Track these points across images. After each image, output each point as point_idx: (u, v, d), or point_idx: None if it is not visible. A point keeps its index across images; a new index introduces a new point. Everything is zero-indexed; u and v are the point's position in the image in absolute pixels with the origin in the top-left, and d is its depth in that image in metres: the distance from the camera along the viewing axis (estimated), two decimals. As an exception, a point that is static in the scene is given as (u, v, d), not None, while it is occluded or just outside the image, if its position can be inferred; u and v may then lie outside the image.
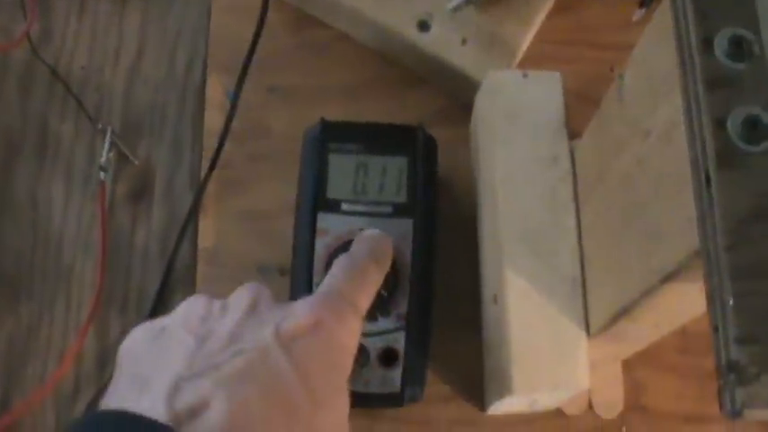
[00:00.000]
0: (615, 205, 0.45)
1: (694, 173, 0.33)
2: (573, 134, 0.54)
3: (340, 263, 0.46)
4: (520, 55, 0.61)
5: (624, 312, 0.44)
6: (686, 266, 0.36)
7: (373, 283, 0.46)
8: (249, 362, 0.38)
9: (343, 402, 0.41)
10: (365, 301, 0.45)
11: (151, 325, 0.42)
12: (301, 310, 0.41)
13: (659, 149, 0.39)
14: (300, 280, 0.54)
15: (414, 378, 0.53)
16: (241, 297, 0.43)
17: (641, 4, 0.59)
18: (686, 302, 0.41)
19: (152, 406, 0.35)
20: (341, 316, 0.42)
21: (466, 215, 0.59)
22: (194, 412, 0.35)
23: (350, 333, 0.42)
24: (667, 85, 0.37)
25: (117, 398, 0.38)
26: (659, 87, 0.38)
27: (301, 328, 0.40)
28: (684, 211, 0.35)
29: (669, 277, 0.37)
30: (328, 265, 0.50)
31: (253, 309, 0.42)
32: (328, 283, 0.44)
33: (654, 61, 0.39)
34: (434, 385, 0.56)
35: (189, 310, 0.43)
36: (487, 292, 0.54)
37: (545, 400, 0.53)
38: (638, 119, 0.41)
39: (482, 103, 0.56)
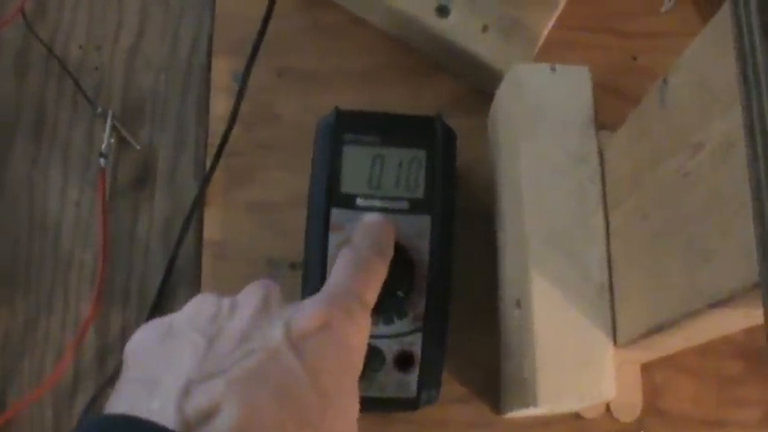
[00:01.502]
0: (653, 215, 0.43)
1: (756, 200, 0.31)
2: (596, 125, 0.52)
3: (345, 257, 0.44)
4: (541, 42, 0.58)
5: (660, 329, 0.42)
6: (741, 296, 0.34)
7: (379, 275, 0.45)
8: (260, 363, 0.36)
9: (353, 403, 0.40)
10: (372, 295, 0.44)
11: (159, 323, 0.41)
12: (311, 310, 0.40)
13: (712, 167, 0.36)
14: (313, 277, 0.51)
15: (430, 381, 0.51)
16: (251, 295, 0.41)
17: (671, -6, 0.57)
18: (729, 322, 0.40)
19: (162, 409, 0.34)
20: (350, 314, 0.41)
21: (482, 207, 0.57)
22: (206, 416, 0.34)
23: (360, 331, 0.41)
24: (724, 99, 0.35)
25: (125, 399, 0.37)
26: (714, 100, 0.36)
27: (312, 328, 0.39)
28: (741, 237, 0.33)
29: (719, 304, 0.36)
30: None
31: (263, 307, 0.40)
32: (335, 279, 0.43)
33: (708, 72, 0.37)
34: (450, 386, 0.55)
35: (197, 308, 0.41)
36: (509, 294, 0.52)
37: (566, 406, 0.51)
38: (685, 129, 0.39)
39: (506, 96, 0.53)
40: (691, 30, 0.61)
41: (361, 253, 0.45)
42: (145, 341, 0.40)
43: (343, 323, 0.40)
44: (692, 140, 0.38)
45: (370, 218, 0.48)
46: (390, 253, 0.47)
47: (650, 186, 0.43)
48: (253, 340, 0.38)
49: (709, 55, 0.37)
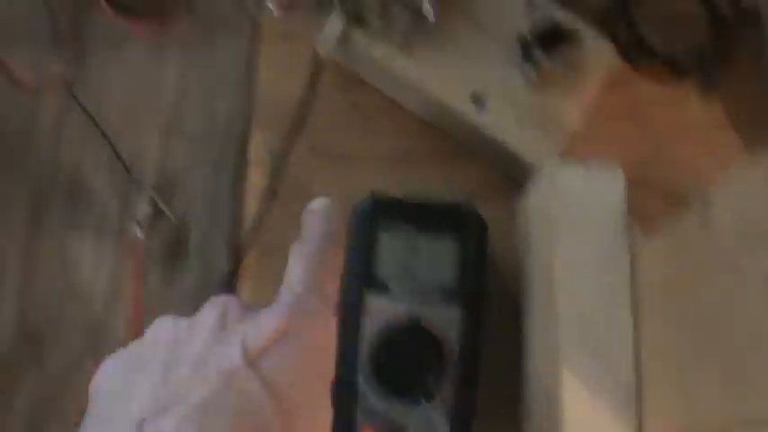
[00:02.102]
0: (692, 333, 0.44)
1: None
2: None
3: (296, 253, 0.44)
4: (570, 134, 0.60)
5: (691, 440, 0.43)
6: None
7: (334, 264, 0.44)
8: (216, 389, 0.36)
9: (323, 410, 0.40)
10: (332, 283, 0.43)
11: (119, 356, 0.41)
12: (268, 322, 0.39)
13: (761, 299, 0.38)
14: (349, 361, 0.52)
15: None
16: (207, 314, 0.41)
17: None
18: None
19: None
20: (310, 314, 0.41)
21: (508, 294, 0.59)
22: None
23: (323, 326, 0.41)
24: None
25: None
26: (759, 236, 0.37)
27: (270, 341, 0.39)
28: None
29: (754, 424, 0.37)
30: (373, 348, 0.49)
31: (219, 326, 0.40)
32: (291, 280, 0.42)
33: (756, 210, 0.38)
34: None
35: (156, 334, 0.41)
36: (535, 387, 0.54)
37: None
38: (731, 256, 0.40)
39: (538, 193, 0.55)
40: (716, 122, 0.64)
41: (312, 246, 0.44)
42: (106, 376, 0.40)
43: (302, 328, 0.39)
44: (738, 268, 0.39)
45: (312, 206, 0.47)
46: (341, 235, 0.46)
47: (690, 305, 0.45)
48: (209, 365, 0.37)
49: (758, 197, 0.38)
